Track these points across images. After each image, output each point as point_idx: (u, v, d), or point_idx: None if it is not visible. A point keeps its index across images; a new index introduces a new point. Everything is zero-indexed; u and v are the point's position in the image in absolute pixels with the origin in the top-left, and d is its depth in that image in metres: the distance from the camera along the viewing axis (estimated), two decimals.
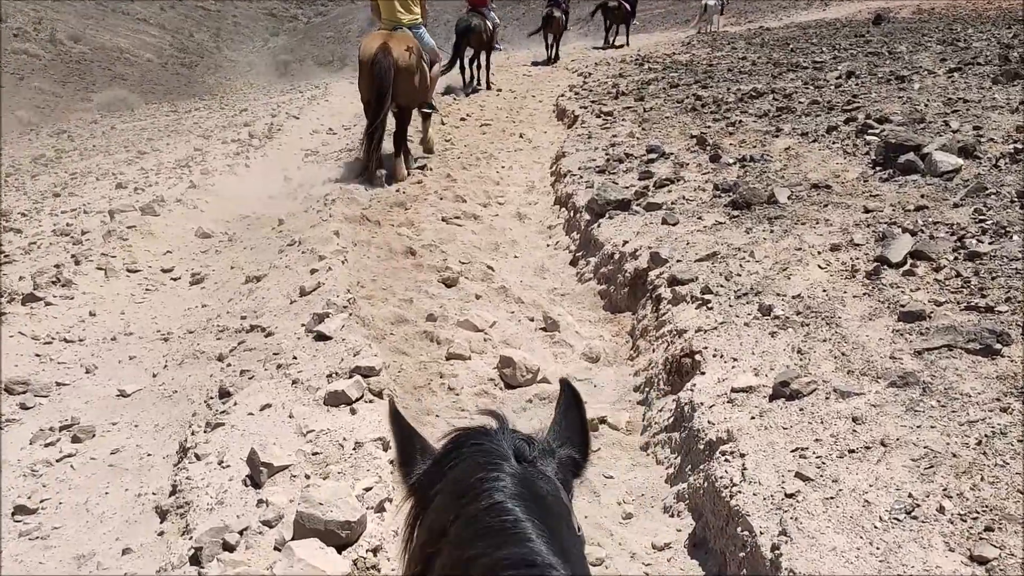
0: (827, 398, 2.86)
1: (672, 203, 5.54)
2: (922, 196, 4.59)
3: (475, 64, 14.69)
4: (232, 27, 62.70)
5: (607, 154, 7.49)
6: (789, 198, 5.02)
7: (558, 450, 1.16)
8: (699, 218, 5.13)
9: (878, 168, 5.27)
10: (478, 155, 9.13)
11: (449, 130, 10.87)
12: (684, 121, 8.46)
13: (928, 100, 7.14)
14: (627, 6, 20.42)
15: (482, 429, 1.14)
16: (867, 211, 4.53)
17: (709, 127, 7.83)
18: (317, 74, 32.52)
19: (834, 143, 6.26)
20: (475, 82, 14.71)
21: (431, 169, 8.52)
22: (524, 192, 7.75)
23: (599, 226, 5.64)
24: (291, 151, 10.85)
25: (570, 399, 1.27)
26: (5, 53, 34.85)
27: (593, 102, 11.09)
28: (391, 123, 7.89)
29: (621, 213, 5.64)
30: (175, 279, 6.34)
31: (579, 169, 7.14)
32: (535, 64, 19.33)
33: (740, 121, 7.71)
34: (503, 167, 8.67)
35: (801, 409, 2.83)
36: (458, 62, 14.15)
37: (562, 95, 12.84)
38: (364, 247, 5.98)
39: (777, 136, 6.85)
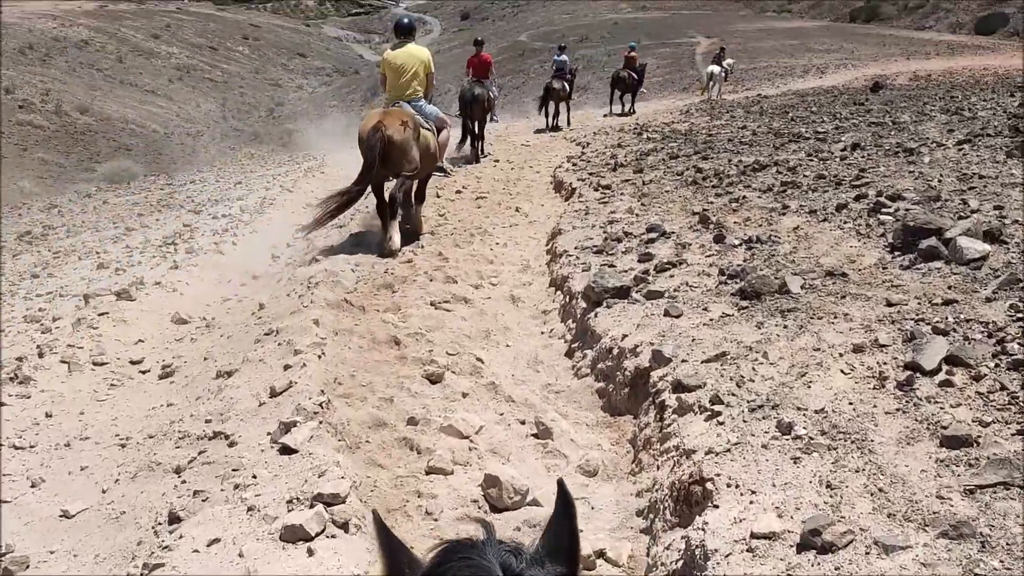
0: (867, 553, 2.37)
1: (675, 290, 5.11)
2: (949, 288, 4.15)
3: (480, 137, 14.78)
4: (238, 97, 63.54)
5: (605, 232, 7.10)
6: (802, 287, 4.58)
7: (548, 563, 1.13)
8: (705, 309, 4.69)
9: (897, 253, 4.85)
10: (472, 231, 8.77)
11: (444, 204, 10.55)
12: (685, 196, 8.10)
13: (941, 175, 6.77)
14: (635, 76, 21.64)
15: (469, 541, 1.13)
16: (890, 304, 4.09)
17: (711, 203, 7.47)
18: (318, 144, 32.58)
19: (845, 223, 5.86)
20: (480, 153, 14.67)
21: (423, 247, 8.14)
22: (519, 271, 7.34)
23: (596, 316, 5.20)
24: (282, 226, 10.52)
25: (562, 507, 1.22)
26: (9, 124, 35.03)
27: (591, 174, 10.79)
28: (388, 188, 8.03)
29: (620, 302, 5.21)
30: (144, 372, 5.89)
31: (575, 249, 6.75)
32: (537, 132, 19.25)
33: (744, 197, 7.34)
34: (497, 243, 8.30)
35: (837, 568, 2.34)
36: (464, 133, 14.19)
37: (559, 166, 12.57)
38: (346, 336, 5.54)
39: (784, 214, 6.46)
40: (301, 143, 35.08)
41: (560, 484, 1.27)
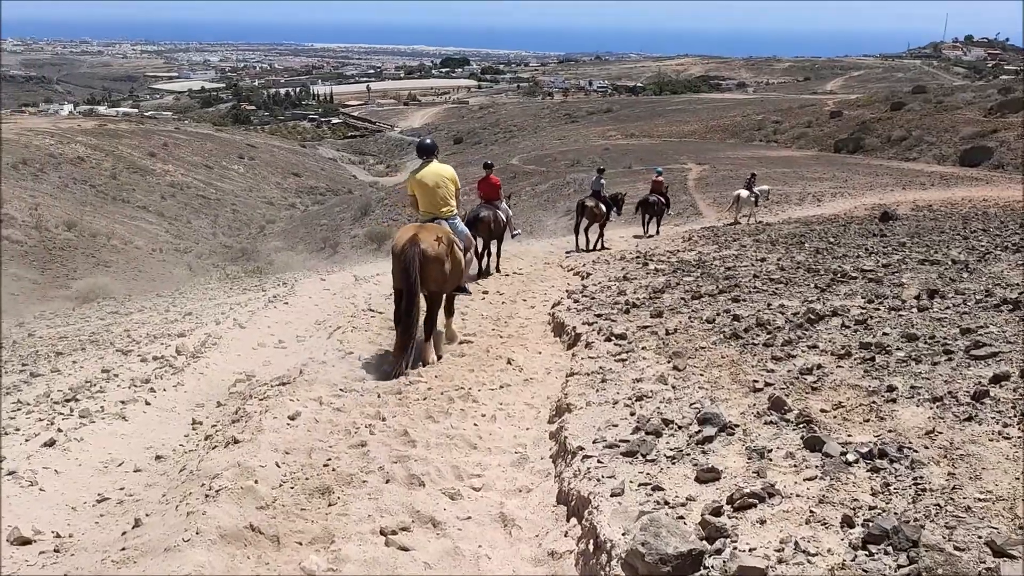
0: None
1: (777, 557, 2.97)
2: None
3: (487, 252, 14.81)
4: (230, 214, 62.50)
5: (633, 414, 4.99)
6: None
7: None
8: None
9: None
10: (451, 394, 6.64)
11: None
12: (729, 356, 6.06)
13: None
14: (663, 200, 22.08)
15: None
16: None
17: (772, 370, 5.41)
18: (302, 264, 30.83)
19: (1006, 424, 3.81)
20: (488, 270, 14.79)
21: (384, 420, 6.01)
22: (512, 466, 5.16)
23: None
24: (219, 375, 8.43)
25: None
26: None
27: (599, 316, 8.78)
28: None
29: None
30: None
31: (594, 443, 4.61)
32: (568, 252, 17.67)
33: (818, 365, 5.30)
34: (483, 416, 6.15)
35: None
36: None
37: (558, 302, 10.59)
38: None
39: (894, 400, 4.40)
40: (283, 263, 33.37)
41: None
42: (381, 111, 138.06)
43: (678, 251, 15.65)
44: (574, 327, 8.59)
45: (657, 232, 22.15)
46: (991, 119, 53.01)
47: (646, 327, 7.75)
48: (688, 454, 4.11)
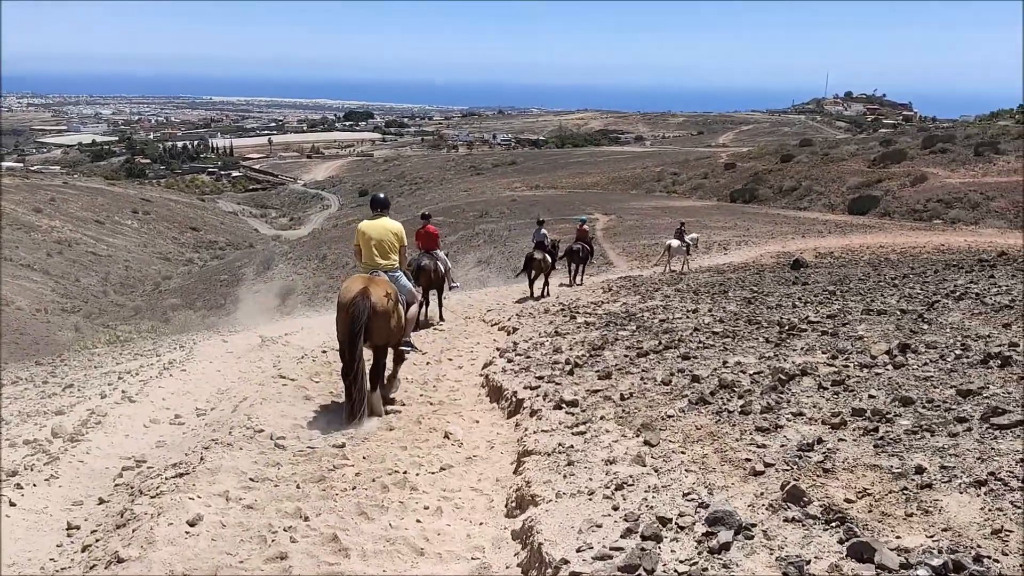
0: None
1: None
2: None
3: (426, 302, 14.49)
4: (123, 271, 59.21)
5: (616, 508, 4.11)
6: None
7: None
8: None
9: None
10: (384, 480, 5.62)
11: (342, 419, 7.45)
12: (705, 427, 5.29)
13: None
14: (588, 248, 22.14)
15: None
16: None
17: (764, 446, 4.66)
18: (199, 324, 28.91)
19: None
20: (428, 320, 14.54)
21: (307, 520, 4.94)
22: None
23: None
24: (102, 463, 7.14)
25: None
26: None
27: (539, 378, 7.93)
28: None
29: None
30: None
31: (578, 552, 3.70)
32: (519, 301, 16.79)
33: (819, 439, 4.56)
34: (426, 509, 5.15)
35: None
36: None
37: (490, 362, 9.70)
38: None
39: (930, 487, 3.68)
40: (180, 322, 31.33)
41: None
42: (283, 164, 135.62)
43: (602, 302, 15.03)
44: (514, 392, 7.70)
45: (580, 282, 22.02)
46: (875, 170, 55.70)
47: (597, 391, 6.94)
48: (705, 569, 3.25)
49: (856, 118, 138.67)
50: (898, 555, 3.07)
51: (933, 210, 45.25)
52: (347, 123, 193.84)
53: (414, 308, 8.77)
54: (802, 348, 7.49)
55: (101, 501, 6.20)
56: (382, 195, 8.56)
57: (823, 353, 7.13)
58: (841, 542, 3.29)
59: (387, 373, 8.54)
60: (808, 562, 3.17)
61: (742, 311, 10.99)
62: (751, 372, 6.71)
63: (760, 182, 61.14)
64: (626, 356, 8.37)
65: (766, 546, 3.38)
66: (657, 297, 14.90)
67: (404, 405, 8.20)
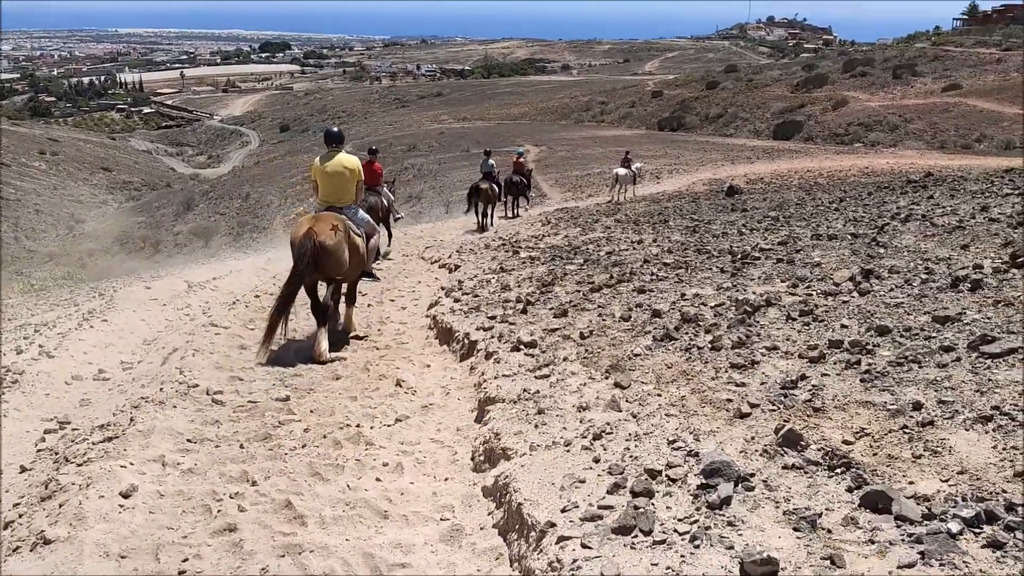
0: None
1: None
2: None
3: None
4: (33, 215, 56.11)
5: (598, 460, 3.78)
6: None
7: None
8: None
9: None
10: (336, 436, 5.20)
11: (283, 371, 6.97)
12: (677, 365, 5.02)
13: None
14: (524, 180, 21.80)
15: None
16: None
17: (743, 384, 4.40)
18: (120, 268, 27.48)
19: None
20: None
21: (255, 485, 4.50)
22: (445, 545, 3.81)
23: None
24: (21, 427, 6.53)
25: None
26: None
27: (491, 318, 7.56)
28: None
29: None
30: None
31: (563, 512, 3.37)
32: (468, 232, 16.31)
33: (802, 375, 4.32)
34: (385, 466, 4.76)
35: None
36: None
37: (436, 303, 9.28)
38: None
39: (932, 424, 3.45)
40: (98, 268, 29.80)
41: None
42: (198, 99, 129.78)
43: (543, 236, 14.68)
44: (466, 333, 7.32)
45: (519, 215, 21.84)
46: (798, 95, 56.27)
47: (554, 329, 6.60)
48: (708, 528, 2.97)
49: (778, 43, 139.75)
50: (917, 504, 2.83)
51: (854, 133, 46.07)
52: (263, 55, 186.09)
53: (375, 239, 8.81)
54: (760, 277, 7.29)
55: (23, 469, 5.63)
56: (335, 129, 8.40)
57: (782, 282, 6.94)
58: (851, 490, 3.05)
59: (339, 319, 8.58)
60: (819, 515, 2.92)
61: (688, 240, 10.78)
62: (712, 304, 6.47)
63: (687, 110, 61.20)
64: (578, 291, 8.05)
65: (770, 498, 3.11)
66: (598, 229, 14.61)
67: (347, 349, 7.74)
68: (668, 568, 2.77)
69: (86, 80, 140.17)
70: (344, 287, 8.48)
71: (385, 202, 14.88)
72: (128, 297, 12.29)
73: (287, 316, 7.51)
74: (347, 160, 8.17)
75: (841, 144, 43.66)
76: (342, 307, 8.62)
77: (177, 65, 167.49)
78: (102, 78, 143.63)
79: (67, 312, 11.93)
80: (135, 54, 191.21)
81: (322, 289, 8.07)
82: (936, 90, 50.46)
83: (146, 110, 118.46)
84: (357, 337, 8.31)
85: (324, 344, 7.43)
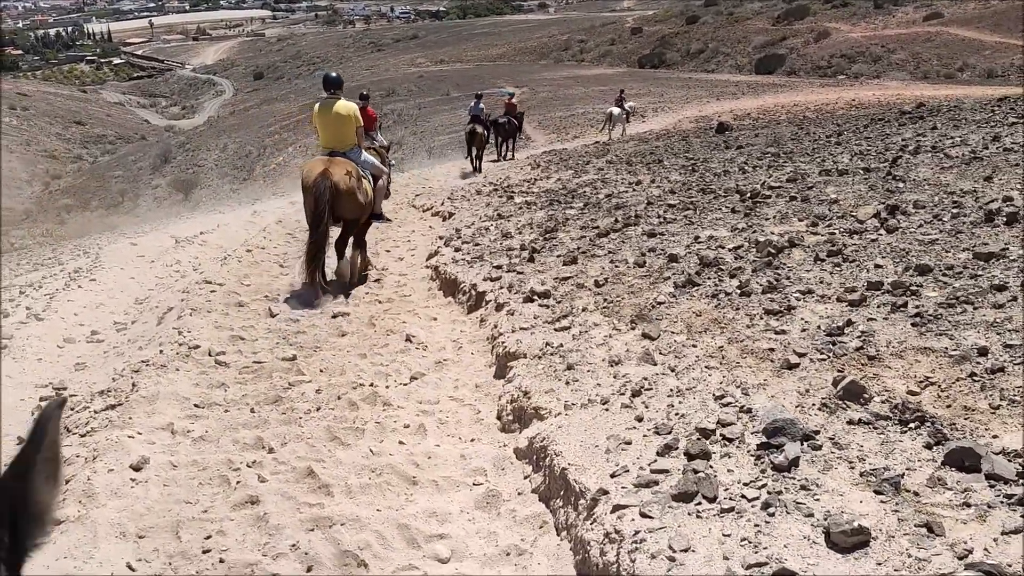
0: None
1: None
2: None
3: None
4: (6, 173, 54.64)
5: (641, 419, 3.53)
6: None
7: None
8: None
9: None
10: (351, 396, 4.93)
11: (283, 326, 6.67)
12: (707, 313, 4.76)
13: None
14: (515, 122, 21.56)
15: None
16: None
17: (784, 331, 4.14)
18: (100, 224, 26.84)
19: None
20: None
21: (272, 452, 4.24)
22: (481, 512, 3.58)
23: None
24: (15, 394, 6.21)
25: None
26: None
27: (497, 267, 7.25)
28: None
29: None
30: None
31: (613, 478, 3.12)
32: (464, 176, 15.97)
33: (849, 321, 4.07)
34: (407, 428, 4.50)
35: None
36: None
37: (435, 252, 8.96)
38: None
39: (1002, 371, 3.23)
40: (78, 225, 29.11)
41: None
42: (168, 48, 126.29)
43: (535, 179, 14.30)
44: (473, 284, 7.02)
45: (509, 157, 21.65)
46: (779, 27, 55.32)
47: (566, 278, 6.31)
48: (780, 493, 2.73)
49: None
50: (1009, 460, 2.60)
51: (837, 65, 45.49)
52: (233, 0, 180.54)
53: (382, 180, 8.96)
54: (775, 217, 7.00)
55: (21, 441, 5.34)
56: (334, 74, 8.35)
57: (800, 221, 6.66)
58: (929, 447, 2.81)
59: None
60: (901, 476, 2.68)
61: (689, 180, 10.46)
62: (730, 247, 6.19)
63: (667, 46, 60.15)
64: (584, 237, 7.74)
65: (841, 458, 2.87)
66: (591, 171, 14.22)
67: (350, 303, 7.44)
68: (744, 540, 2.53)
69: (52, 32, 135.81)
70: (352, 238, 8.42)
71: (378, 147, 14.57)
72: (114, 254, 11.89)
73: (323, 262, 7.59)
74: (345, 106, 8.12)
75: (824, 77, 43.11)
76: (349, 252, 8.33)
77: (145, 13, 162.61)
78: (69, 29, 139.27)
79: (52, 272, 11.50)
80: (102, 3, 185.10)
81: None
82: (917, 19, 49.78)
83: (116, 61, 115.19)
84: (366, 278, 8.42)
85: (347, 268, 7.98)
